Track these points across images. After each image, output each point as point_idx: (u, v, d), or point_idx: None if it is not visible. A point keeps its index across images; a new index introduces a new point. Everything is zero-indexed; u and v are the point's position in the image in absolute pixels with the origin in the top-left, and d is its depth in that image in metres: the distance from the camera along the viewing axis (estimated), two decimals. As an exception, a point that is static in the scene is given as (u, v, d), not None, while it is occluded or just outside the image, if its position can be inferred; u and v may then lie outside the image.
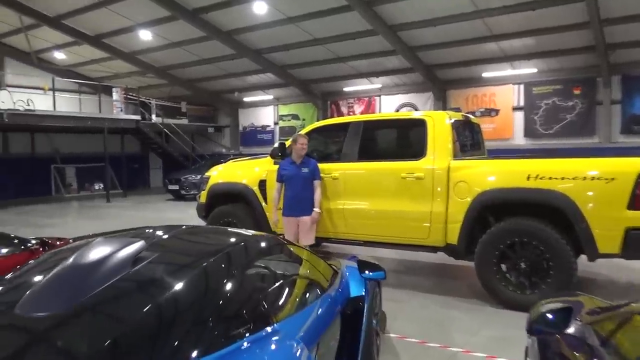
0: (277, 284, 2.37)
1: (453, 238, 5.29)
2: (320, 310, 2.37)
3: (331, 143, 6.26)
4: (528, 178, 4.82)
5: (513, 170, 5.06)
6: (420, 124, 5.63)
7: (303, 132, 6.33)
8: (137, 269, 1.97)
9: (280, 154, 6.22)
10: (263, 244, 2.77)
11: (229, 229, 3.59)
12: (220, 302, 1.96)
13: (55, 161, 20.15)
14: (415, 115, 5.94)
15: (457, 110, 6.23)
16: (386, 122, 6.51)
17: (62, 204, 16.99)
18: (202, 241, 2.78)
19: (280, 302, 2.20)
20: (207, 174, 7.32)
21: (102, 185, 19.29)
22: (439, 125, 5.53)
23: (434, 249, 5.57)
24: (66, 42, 18.47)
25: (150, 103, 20.97)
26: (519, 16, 12.60)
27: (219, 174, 7.16)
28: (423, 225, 5.42)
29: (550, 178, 4.74)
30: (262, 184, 6.55)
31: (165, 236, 2.58)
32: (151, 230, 2.67)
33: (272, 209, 6.01)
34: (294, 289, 2.45)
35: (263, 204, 6.52)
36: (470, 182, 5.15)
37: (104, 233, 2.69)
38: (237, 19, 15.01)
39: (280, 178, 5.87)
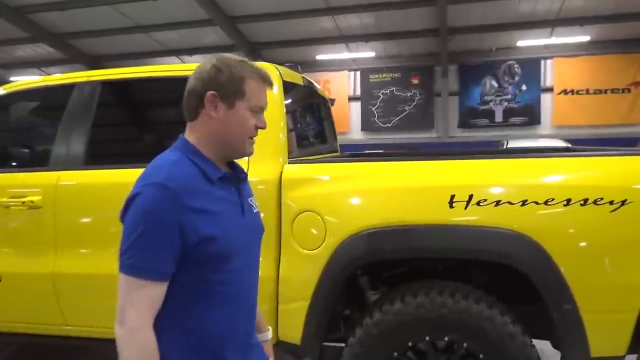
0: None
1: (292, 332, 2.43)
2: None
3: (30, 130, 2.92)
4: (452, 204, 2.18)
5: (420, 186, 2.31)
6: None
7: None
8: None
9: None
10: None
11: None
12: None
13: None
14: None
15: (294, 68, 3.18)
16: (155, 84, 2.93)
17: None
18: None
19: None
20: None
21: None
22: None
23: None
24: None
25: None
26: (359, -16, 10.53)
27: None
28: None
29: (497, 203, 2.16)
30: None
31: None
32: None
33: None
34: None
35: None
36: (327, 214, 2.33)
37: None
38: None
39: (169, 260, 1.24)
